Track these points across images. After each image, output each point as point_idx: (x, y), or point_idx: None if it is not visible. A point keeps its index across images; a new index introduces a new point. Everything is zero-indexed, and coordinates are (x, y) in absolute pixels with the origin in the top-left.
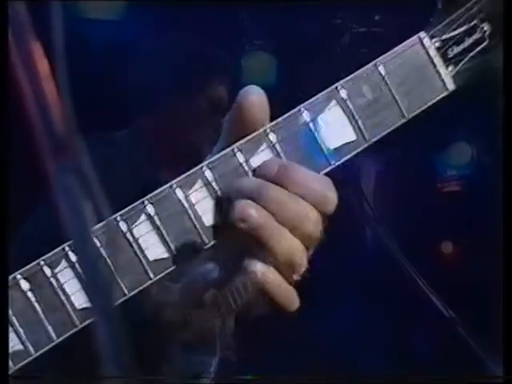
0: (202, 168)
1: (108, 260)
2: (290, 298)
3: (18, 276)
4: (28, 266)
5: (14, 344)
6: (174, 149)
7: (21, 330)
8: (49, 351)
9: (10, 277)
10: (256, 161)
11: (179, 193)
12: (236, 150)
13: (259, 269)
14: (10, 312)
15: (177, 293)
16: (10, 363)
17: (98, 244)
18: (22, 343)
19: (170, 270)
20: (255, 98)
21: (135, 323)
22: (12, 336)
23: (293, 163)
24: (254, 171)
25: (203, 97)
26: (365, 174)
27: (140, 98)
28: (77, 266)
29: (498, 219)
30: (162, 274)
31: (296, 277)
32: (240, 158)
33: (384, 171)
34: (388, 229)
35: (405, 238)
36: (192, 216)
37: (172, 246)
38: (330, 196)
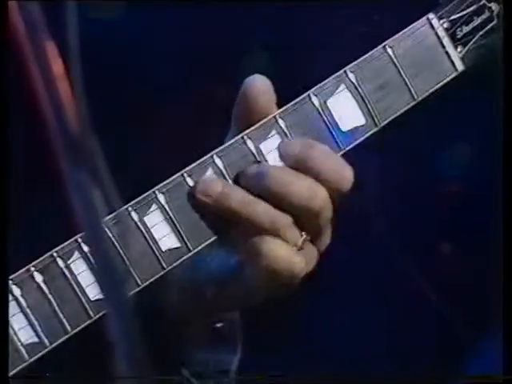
0: (212, 156)
1: (121, 253)
2: (299, 270)
3: (32, 268)
4: (41, 258)
5: (29, 336)
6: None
7: (35, 323)
8: (60, 351)
9: (24, 269)
10: (266, 147)
11: (190, 182)
12: (245, 137)
13: (272, 249)
14: (25, 304)
15: (195, 288)
16: (26, 355)
17: (111, 236)
18: (37, 335)
19: (183, 259)
20: (260, 85)
21: (152, 321)
22: (27, 328)
23: (311, 141)
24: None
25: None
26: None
27: (152, 95)
28: (90, 257)
29: (498, 218)
30: (175, 264)
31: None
32: (250, 145)
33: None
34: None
35: (405, 235)
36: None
37: (184, 236)
38: (347, 173)
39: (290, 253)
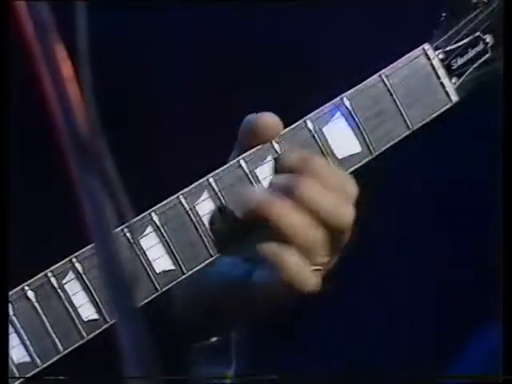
0: (208, 179)
1: (128, 261)
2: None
3: (26, 287)
4: (35, 278)
5: (20, 356)
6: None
7: (28, 342)
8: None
9: (18, 288)
10: (261, 171)
11: (185, 204)
12: (242, 161)
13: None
14: (18, 323)
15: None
16: (16, 373)
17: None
18: (29, 355)
19: (177, 281)
20: (269, 118)
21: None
22: (19, 348)
23: (312, 155)
24: (277, 165)
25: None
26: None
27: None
28: (84, 277)
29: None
30: (169, 286)
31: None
32: (245, 168)
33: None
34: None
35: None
36: (198, 227)
37: (178, 258)
38: (350, 187)
39: (307, 268)
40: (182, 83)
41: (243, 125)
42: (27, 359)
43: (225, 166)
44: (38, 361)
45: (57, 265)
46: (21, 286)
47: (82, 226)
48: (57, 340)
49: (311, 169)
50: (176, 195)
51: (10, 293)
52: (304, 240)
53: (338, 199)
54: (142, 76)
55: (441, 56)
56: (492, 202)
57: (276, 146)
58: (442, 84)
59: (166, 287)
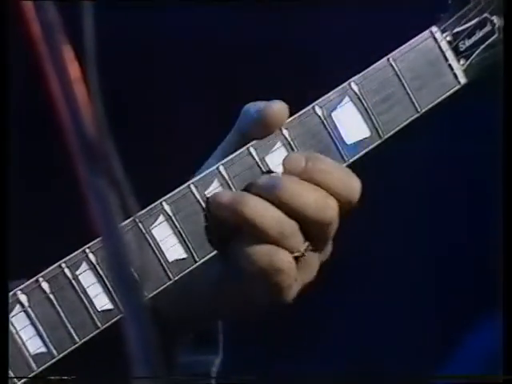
0: (218, 168)
1: (140, 252)
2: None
3: (40, 279)
4: (49, 269)
5: (37, 346)
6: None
7: (44, 333)
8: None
9: (32, 279)
10: (271, 159)
11: (196, 193)
12: (251, 148)
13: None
14: (33, 314)
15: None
16: (33, 365)
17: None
18: (45, 345)
19: (189, 270)
20: (278, 107)
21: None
22: (35, 338)
23: (316, 154)
24: (281, 164)
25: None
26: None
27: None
28: (97, 267)
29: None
30: (181, 275)
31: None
32: (255, 156)
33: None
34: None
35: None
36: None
37: (190, 246)
38: (355, 185)
39: (291, 263)
40: (187, 82)
41: (249, 114)
42: (43, 350)
43: (234, 154)
44: (55, 351)
45: (70, 256)
46: (35, 278)
47: (89, 225)
48: (72, 330)
49: (289, 168)
50: (186, 184)
51: (25, 284)
52: (279, 233)
53: (319, 193)
54: (149, 76)
55: (448, 38)
56: (492, 197)
57: (285, 132)
58: (450, 66)
59: (179, 276)
